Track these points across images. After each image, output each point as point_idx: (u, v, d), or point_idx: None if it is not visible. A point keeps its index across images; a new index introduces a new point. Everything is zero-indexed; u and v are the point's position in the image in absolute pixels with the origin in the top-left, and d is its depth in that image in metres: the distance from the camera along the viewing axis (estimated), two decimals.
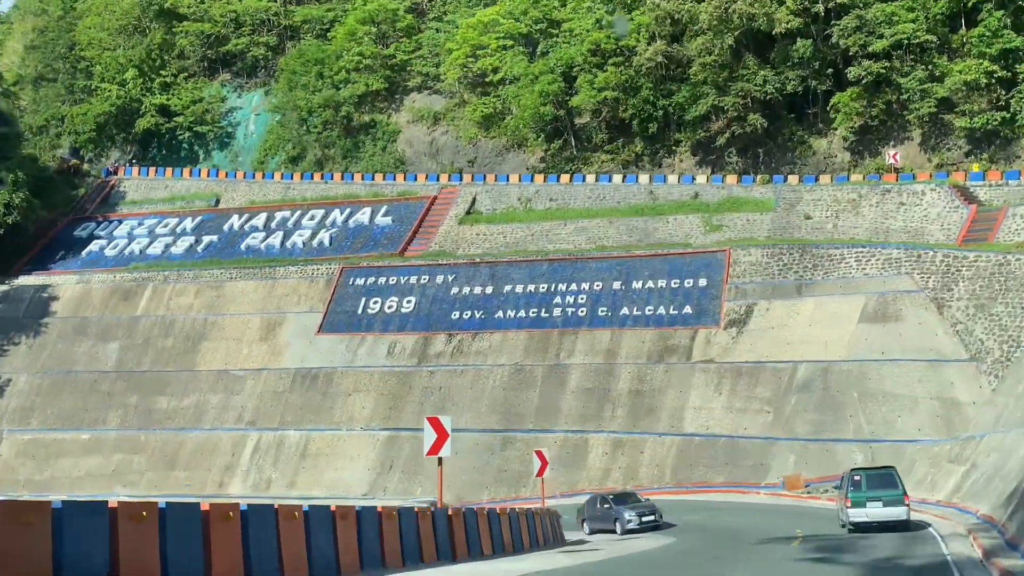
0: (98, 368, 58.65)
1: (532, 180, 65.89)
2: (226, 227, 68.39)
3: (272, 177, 74.15)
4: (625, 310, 52.86)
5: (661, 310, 52.27)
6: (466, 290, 56.95)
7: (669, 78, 67.03)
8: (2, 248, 68.13)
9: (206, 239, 67.68)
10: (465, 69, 75.27)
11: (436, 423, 23.13)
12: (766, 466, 42.28)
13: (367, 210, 66.23)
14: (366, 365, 54.56)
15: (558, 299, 54.76)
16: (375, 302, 57.92)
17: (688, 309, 51.75)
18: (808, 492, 38.89)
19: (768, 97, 62.94)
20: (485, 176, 67.80)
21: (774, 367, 46.11)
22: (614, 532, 33.06)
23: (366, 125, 79.24)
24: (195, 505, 13.27)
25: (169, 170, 78.13)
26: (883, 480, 27.63)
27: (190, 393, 56.19)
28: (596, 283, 54.89)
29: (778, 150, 64.84)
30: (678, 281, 53.44)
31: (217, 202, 73.06)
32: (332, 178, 72.27)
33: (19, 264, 68.85)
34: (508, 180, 66.41)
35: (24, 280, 66.39)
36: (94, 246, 69.79)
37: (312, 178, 72.70)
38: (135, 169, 79.31)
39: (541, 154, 71.06)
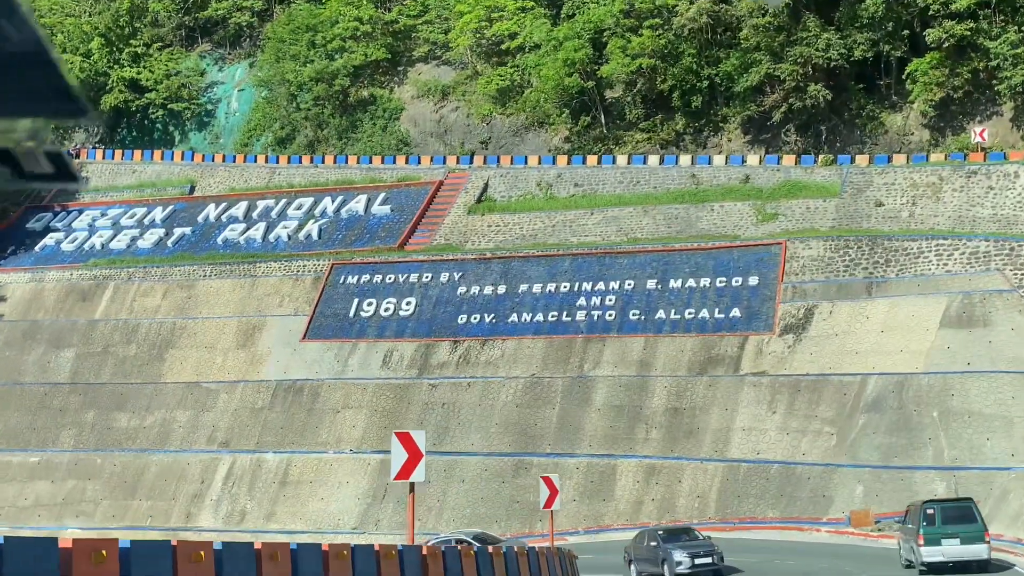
0: (50, 379, 57.44)
1: (554, 163, 64.05)
2: (201, 218, 67.04)
3: (255, 161, 72.80)
4: (661, 313, 50.90)
5: (704, 313, 50.27)
6: (474, 290, 55.21)
7: (715, 43, 65.14)
8: None
9: (178, 231, 66.35)
10: (478, 35, 73.67)
11: (406, 440, 20.70)
12: (828, 498, 40.20)
13: (362, 198, 64.62)
14: (358, 377, 52.93)
15: (582, 300, 52.89)
16: (369, 304, 56.29)
17: (736, 312, 49.72)
18: (879, 529, 36.83)
19: (832, 65, 60.89)
20: (499, 158, 66.01)
21: (839, 381, 44.01)
22: None
23: (364, 102, 77.75)
24: (164, 543, 12.43)
25: (138, 153, 76.94)
26: (961, 514, 26.91)
27: (155, 409, 54.81)
28: (627, 282, 52.98)
29: (844, 127, 62.72)
30: (724, 279, 51.45)
31: (192, 189, 71.75)
32: (323, 161, 70.75)
33: None
34: (526, 163, 64.59)
35: None
36: (49, 240, 68.65)
37: (301, 161, 71.23)
38: (99, 152, 78.19)
39: (566, 133, 69.24)
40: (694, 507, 42.76)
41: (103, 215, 70.11)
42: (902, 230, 50.55)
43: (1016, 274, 45.15)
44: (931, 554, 26.02)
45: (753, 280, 50.87)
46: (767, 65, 61.18)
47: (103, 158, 77.36)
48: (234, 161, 73.54)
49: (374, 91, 78.52)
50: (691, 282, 51.76)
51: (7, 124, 2.01)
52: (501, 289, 54.70)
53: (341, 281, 58.15)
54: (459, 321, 54.03)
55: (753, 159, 59.57)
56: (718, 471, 43.40)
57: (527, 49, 71.69)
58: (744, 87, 62.45)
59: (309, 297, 57.56)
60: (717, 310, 50.16)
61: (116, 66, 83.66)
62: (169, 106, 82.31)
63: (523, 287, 54.39)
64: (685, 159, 61.02)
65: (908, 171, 53.72)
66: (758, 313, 49.56)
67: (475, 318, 53.87)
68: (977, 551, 25.79)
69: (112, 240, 66.96)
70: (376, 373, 52.92)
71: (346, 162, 70.00)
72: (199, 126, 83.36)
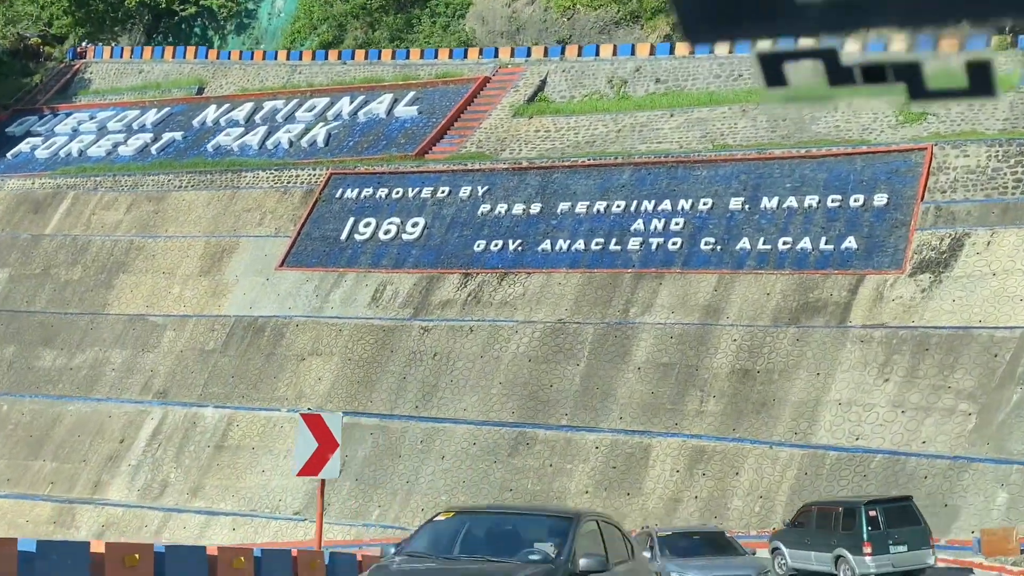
0: None
1: (633, 53, 52.69)
2: (196, 122, 58.32)
3: (275, 57, 63.76)
4: (745, 243, 39.21)
5: (805, 243, 38.36)
6: (500, 209, 44.56)
7: None
8: None
9: (167, 136, 57.78)
10: None
11: (317, 423, 16.94)
12: (953, 508, 28.08)
13: (386, 97, 54.60)
14: (336, 316, 43.05)
15: (639, 224, 41.61)
16: (367, 224, 46.33)
17: (851, 243, 37.64)
18: None
19: None
20: (564, 49, 54.99)
21: (988, 337, 31.66)
22: None
23: None
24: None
25: (148, 50, 69.04)
26: (904, 515, 23.99)
27: (87, 347, 46.24)
28: (703, 200, 41.44)
29: None
30: (839, 198, 39.37)
31: (200, 91, 63.22)
32: (352, 56, 61.10)
33: None
34: (598, 54, 53.43)
35: None
36: (25, 146, 61.18)
37: (326, 57, 61.77)
38: (107, 50, 70.75)
39: (667, 30, 57.66)
40: (753, 511, 31.19)
41: (91, 119, 62.29)
42: None
43: None
44: (880, 564, 22.89)
45: (880, 199, 38.69)
46: None
47: (110, 56, 69.94)
48: (252, 58, 64.68)
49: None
50: (791, 201, 39.91)
51: None
52: (535, 208, 43.94)
53: (338, 196, 48.42)
54: (475, 248, 43.55)
55: (900, 43, 46.83)
56: (794, 461, 31.68)
57: None
58: None
59: (296, 215, 48.03)
60: (824, 240, 38.23)
61: None
62: (201, 3, 74.79)
63: (563, 206, 43.48)
64: (806, 42, 48.69)
65: None
66: (883, 244, 37.41)
67: (496, 245, 43.29)
68: (924, 556, 23.61)
69: (92, 146, 58.94)
70: (360, 312, 42.93)
71: (379, 56, 60.13)
72: (238, 29, 75.16)
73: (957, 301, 33.68)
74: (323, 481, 16.07)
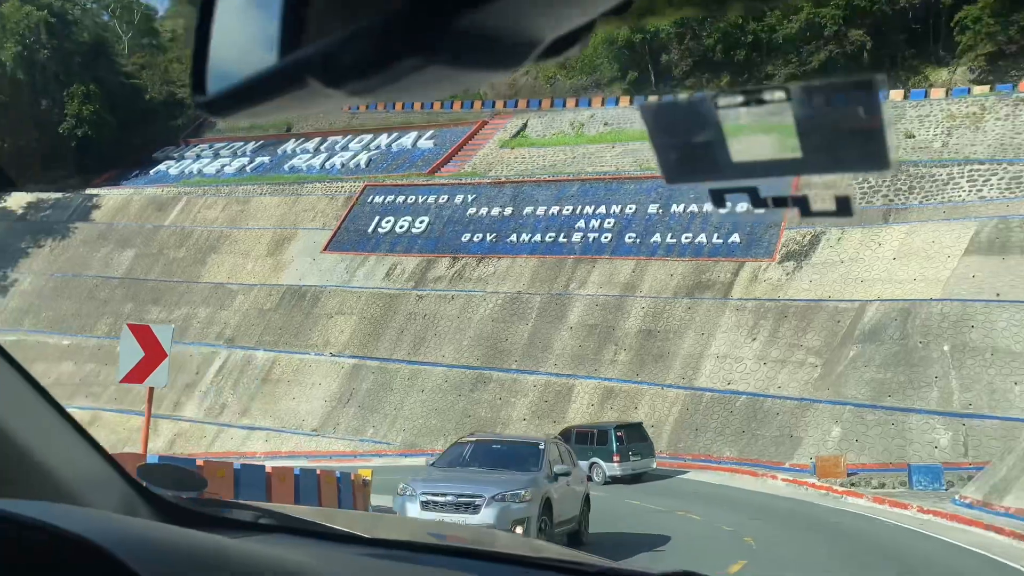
0: (105, 274, 46.44)
1: (589, 105, 48.81)
2: (280, 150, 54.97)
3: (342, 108, 60.32)
4: (657, 237, 35.24)
5: (701, 238, 34.33)
6: (483, 211, 40.82)
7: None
8: (81, 162, 57.94)
9: (258, 160, 54.48)
10: None
11: (144, 333, 11.61)
12: (796, 439, 23.97)
13: (412, 134, 51.09)
14: (359, 286, 39.46)
15: (581, 223, 37.73)
16: (387, 221, 42.74)
17: (736, 238, 33.59)
18: (851, 484, 20.49)
19: (875, 7, 43.30)
20: (541, 102, 51.24)
21: (833, 307, 27.51)
22: None
23: None
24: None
25: None
26: (640, 435, 23.50)
27: (183, 305, 42.90)
28: (629, 206, 37.51)
29: (886, 82, 44.71)
30: (730, 204, 35.19)
31: (288, 129, 59.96)
32: (393, 107, 57.49)
33: (95, 181, 58.13)
34: (564, 105, 49.59)
35: (87, 192, 55.47)
36: (163, 166, 58.06)
37: (376, 108, 58.14)
38: None
39: (620, 93, 53.72)
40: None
41: (210, 148, 59.22)
42: (932, 157, 33.10)
43: None
44: (624, 468, 22.14)
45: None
46: (808, 11, 44.26)
47: None
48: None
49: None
50: (693, 207, 35.83)
51: None
52: (508, 211, 40.15)
53: (368, 200, 44.84)
54: (462, 239, 39.81)
55: (782, 95, 42.55)
56: (679, 399, 27.65)
57: None
58: (786, 35, 45.69)
59: (339, 214, 44.48)
60: (716, 235, 34.18)
61: None
62: None
63: (528, 209, 39.67)
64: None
65: (946, 103, 36.01)
66: (759, 239, 33.31)
67: (477, 237, 39.54)
68: (649, 463, 22.99)
69: (207, 166, 55.74)
70: (377, 283, 39.30)
71: (412, 108, 56.51)
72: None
73: (813, 281, 29.54)
74: (151, 388, 11.26)
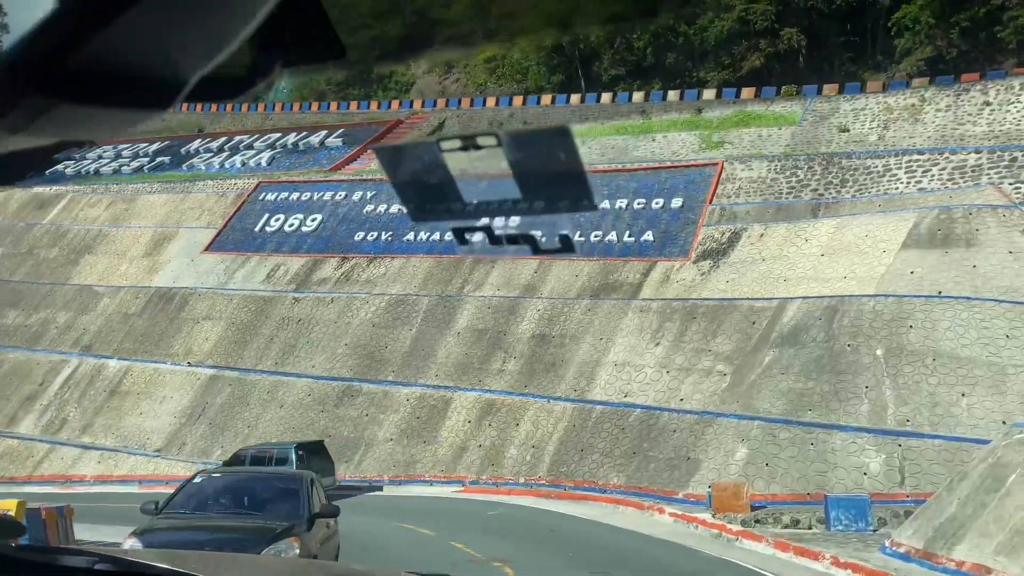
0: None
1: (510, 103, 44.03)
2: (184, 150, 49.29)
3: (256, 108, 54.87)
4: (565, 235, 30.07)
5: (612, 237, 29.32)
6: (382, 208, 35.51)
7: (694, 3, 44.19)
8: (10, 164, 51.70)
9: (159, 159, 48.77)
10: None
11: None
12: (694, 462, 18.66)
13: (321, 133, 45.83)
14: (234, 288, 33.76)
15: (484, 221, 32.40)
16: (277, 219, 37.24)
17: (649, 236, 28.64)
18: (755, 521, 15.16)
19: (809, 5, 39.24)
20: (460, 101, 46.42)
21: (748, 307, 22.49)
22: None
23: (383, 76, 60.05)
24: None
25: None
26: (319, 449, 21.66)
27: (44, 308, 36.79)
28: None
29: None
30: (643, 201, 30.48)
31: (200, 131, 54.41)
32: (309, 108, 52.40)
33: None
34: (484, 104, 44.76)
35: None
36: (60, 166, 51.98)
37: (291, 108, 52.98)
38: None
39: (549, 100, 49.10)
40: (525, 460, 21.75)
41: (114, 149, 53.32)
42: (866, 148, 28.58)
43: (1018, 188, 22.89)
44: None
45: (676, 202, 29.79)
46: (740, 9, 40.12)
47: None
48: (240, 110, 55.81)
49: (393, 68, 61.11)
50: (605, 204, 30.89)
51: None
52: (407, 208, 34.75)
53: (260, 198, 39.35)
54: (355, 238, 34.42)
55: (709, 93, 38.15)
56: (565, 414, 22.30)
57: None
58: (716, 35, 41.47)
59: (227, 212, 38.88)
60: (628, 234, 29.21)
61: None
62: None
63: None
64: (638, 96, 40.10)
65: (882, 96, 31.69)
66: (674, 237, 28.38)
67: (371, 235, 34.19)
68: (330, 481, 19.92)
69: (104, 166, 49.86)
70: (255, 286, 33.64)
71: (328, 108, 51.42)
72: (253, 99, 66.53)
73: (730, 282, 24.57)
74: None
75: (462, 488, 21.30)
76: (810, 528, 14.35)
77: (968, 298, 18.92)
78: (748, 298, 22.50)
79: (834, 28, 41.77)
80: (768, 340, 20.71)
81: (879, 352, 18.51)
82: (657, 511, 16.48)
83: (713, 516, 15.18)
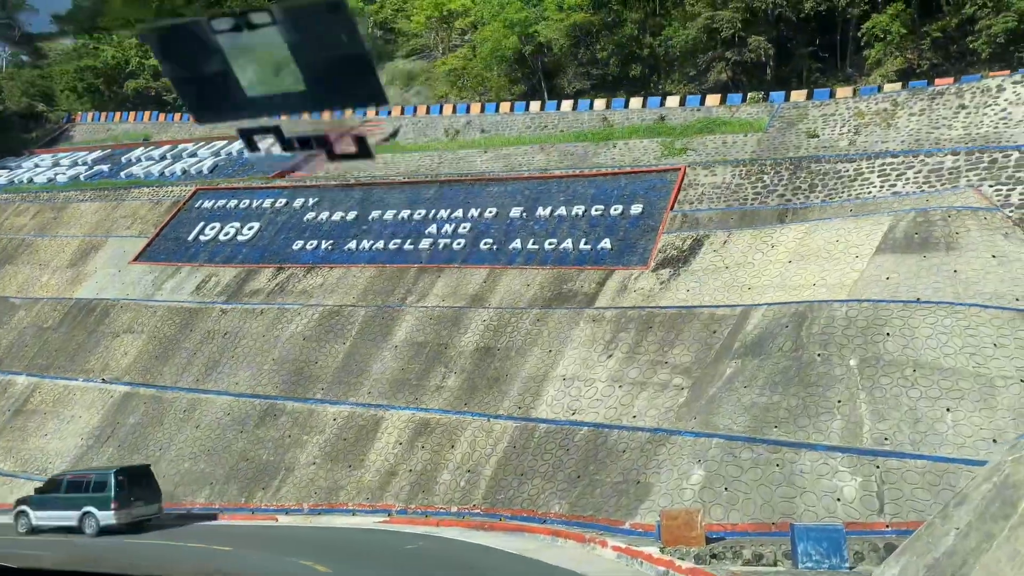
0: None
1: (467, 111, 42.05)
2: (125, 158, 46.68)
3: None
4: (517, 243, 28.03)
5: (567, 244, 27.22)
6: (323, 215, 33.18)
7: (660, 13, 42.82)
8: None
9: (97, 168, 46.11)
10: (434, 14, 52.72)
11: None
12: (644, 486, 16.29)
13: (268, 140, 43.41)
14: (160, 299, 31.08)
15: (433, 228, 30.35)
16: (212, 228, 34.72)
17: (607, 244, 26.55)
18: (711, 556, 12.83)
19: (778, 12, 37.80)
20: (416, 108, 44.35)
21: (708, 315, 20.35)
22: None
23: None
24: None
25: (118, 114, 57.60)
26: (145, 473, 20.34)
27: None
28: (490, 210, 30.35)
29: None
30: (602, 208, 28.44)
31: (146, 140, 51.81)
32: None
33: None
34: (441, 112, 42.73)
35: None
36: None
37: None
38: (90, 115, 59.18)
39: (508, 109, 47.28)
40: (459, 486, 19.24)
41: (52, 158, 50.55)
42: (836, 152, 26.81)
43: (1000, 190, 21.12)
44: (121, 517, 18.95)
45: (636, 209, 27.78)
46: (706, 17, 38.59)
47: (93, 120, 58.33)
48: (188, 120, 53.31)
49: None
50: (562, 210, 28.91)
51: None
52: (351, 215, 32.59)
53: (197, 206, 36.78)
54: (294, 247, 31.98)
55: (673, 101, 36.40)
56: (506, 434, 19.88)
57: (478, 28, 50.70)
58: (682, 44, 39.88)
59: (160, 221, 36.26)
60: (584, 241, 27.11)
61: (147, 56, 66.27)
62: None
63: (375, 214, 32.17)
64: (600, 103, 38.28)
65: (853, 101, 30.08)
66: (633, 245, 26.30)
67: (311, 244, 31.77)
68: (154, 509, 20.02)
69: (38, 175, 47.07)
70: (184, 297, 30.98)
71: (279, 117, 49.00)
72: None
73: (691, 290, 22.45)
74: None
75: (387, 518, 18.75)
76: (775, 564, 12.08)
77: (951, 303, 16.93)
78: (709, 305, 20.36)
79: (802, 39, 40.42)
80: (730, 350, 18.53)
81: (853, 362, 16.39)
82: (599, 544, 14.09)
83: (662, 550, 12.84)
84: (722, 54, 39.22)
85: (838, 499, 13.81)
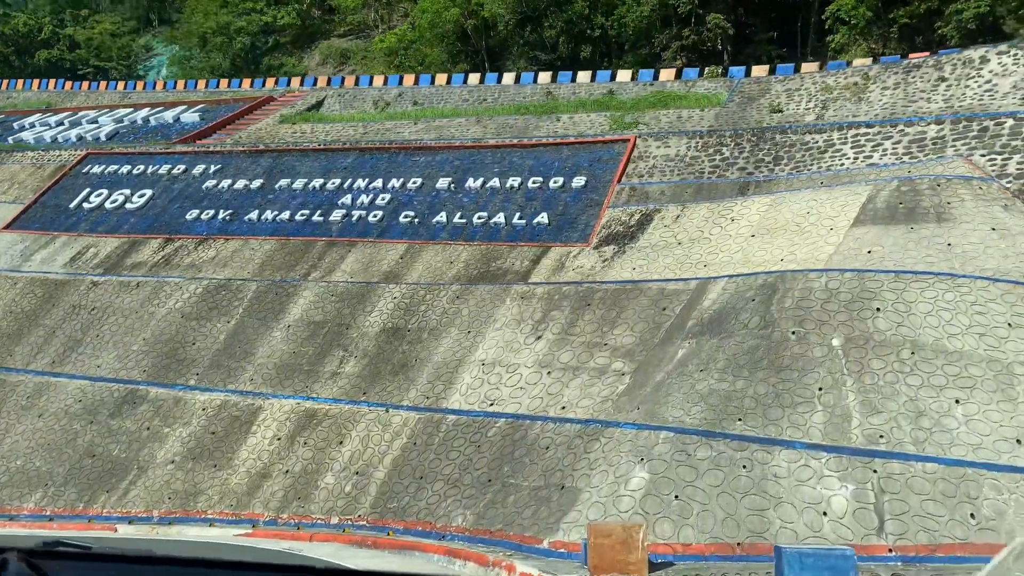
0: None
1: (400, 83, 38.31)
2: (17, 124, 41.70)
3: (116, 87, 47.64)
4: (442, 217, 24.32)
5: (499, 219, 23.63)
6: (225, 183, 29.01)
7: None
8: None
9: None
10: None
11: None
12: (571, 491, 12.59)
13: (178, 109, 39.04)
14: (25, 271, 26.48)
15: (347, 198, 26.47)
16: (99, 195, 30.23)
17: (543, 219, 23.02)
18: None
19: None
20: (344, 79, 40.49)
21: (658, 290, 16.88)
22: None
23: (273, 67, 53.98)
24: None
25: (20, 82, 52.35)
26: None
27: None
28: (414, 180, 26.62)
29: None
30: (539, 180, 24.93)
31: (48, 108, 46.77)
32: (174, 86, 45.57)
33: None
34: (371, 83, 38.92)
35: None
36: None
37: (154, 88, 46.01)
38: (5, 83, 53.88)
39: (444, 82, 43.66)
40: (344, 491, 15.28)
41: None
42: (803, 123, 23.80)
43: (994, 158, 18.21)
44: None
45: (578, 182, 24.33)
46: None
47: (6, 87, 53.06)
48: (98, 87, 48.45)
49: (284, 59, 55.13)
50: (495, 182, 25.36)
51: None
52: (256, 184, 28.50)
53: (85, 171, 32.23)
54: (187, 217, 27.73)
55: (624, 75, 33.21)
56: (406, 428, 16.02)
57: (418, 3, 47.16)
58: (635, 24, 36.87)
59: (41, 186, 31.59)
60: (519, 215, 23.55)
61: (62, 25, 61.29)
62: (94, 63, 59.25)
63: (283, 182, 28.13)
64: (545, 76, 34.91)
65: (820, 76, 27.22)
66: (574, 220, 22.83)
67: (207, 214, 27.56)
68: None
69: None
70: (54, 269, 26.44)
71: (195, 86, 44.63)
72: (121, 76, 59.14)
73: (637, 269, 19.01)
74: None
75: (251, 531, 14.74)
76: None
77: (951, 275, 13.76)
78: (659, 280, 16.91)
79: (763, 24, 37.83)
80: (683, 329, 15.06)
81: (836, 342, 13.07)
82: (506, 569, 10.39)
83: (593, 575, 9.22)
84: (679, 32, 36.32)
85: (824, 513, 10.41)
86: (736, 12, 37.10)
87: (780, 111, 26.15)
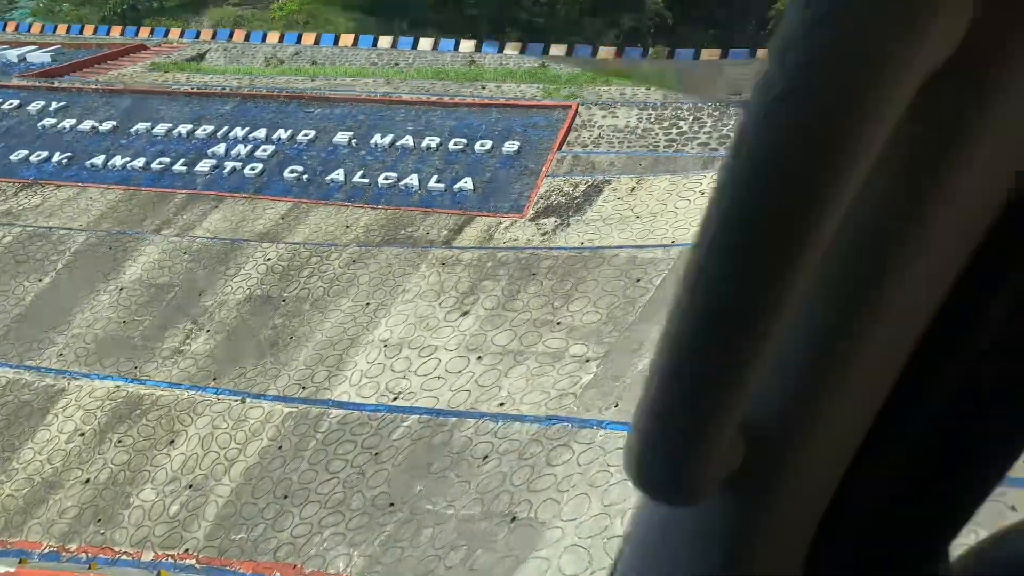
0: None
1: (299, 41, 33.37)
2: None
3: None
4: (338, 175, 19.62)
5: (411, 180, 19.16)
6: (67, 123, 23.28)
7: None
8: None
9: None
10: None
11: None
12: (530, 526, 8.29)
13: (26, 48, 32.66)
14: None
15: (220, 148, 21.32)
16: None
17: (467, 184, 18.73)
18: None
19: None
20: (233, 32, 35.16)
21: (631, 256, 12.84)
22: None
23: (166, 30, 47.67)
24: None
25: None
26: None
27: None
28: (305, 132, 21.77)
29: None
30: (462, 142, 20.64)
31: None
32: (28, 29, 38.90)
33: None
34: (264, 39, 33.79)
35: None
36: None
37: (29, 29, 39.23)
38: None
39: (350, 43, 38.86)
40: (168, 513, 10.31)
41: None
42: None
43: None
44: None
45: (511, 147, 20.22)
46: None
47: None
48: None
49: (168, 23, 48.89)
50: (407, 140, 20.90)
51: None
52: (107, 126, 22.92)
53: None
54: (12, 159, 21.83)
55: (559, 49, 29.56)
56: (269, 426, 11.21)
57: None
58: (567, 3, 33.48)
59: None
60: (436, 179, 19.18)
61: None
62: None
63: (142, 127, 22.69)
64: (468, 44, 30.86)
65: None
66: (505, 189, 18.67)
67: (39, 156, 21.79)
68: None
69: None
70: None
71: (55, 31, 38.06)
72: None
73: (586, 243, 14.92)
74: None
75: (15, 568, 9.55)
76: None
77: None
78: (629, 246, 12.94)
79: (701, 21, 35.24)
80: (663, 304, 11.16)
81: None
82: None
83: None
84: (616, 19, 33.15)
85: None
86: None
87: (740, 95, 23.03)
